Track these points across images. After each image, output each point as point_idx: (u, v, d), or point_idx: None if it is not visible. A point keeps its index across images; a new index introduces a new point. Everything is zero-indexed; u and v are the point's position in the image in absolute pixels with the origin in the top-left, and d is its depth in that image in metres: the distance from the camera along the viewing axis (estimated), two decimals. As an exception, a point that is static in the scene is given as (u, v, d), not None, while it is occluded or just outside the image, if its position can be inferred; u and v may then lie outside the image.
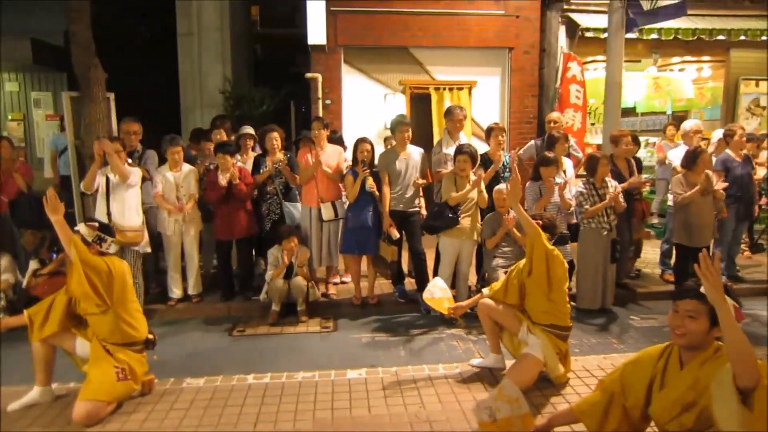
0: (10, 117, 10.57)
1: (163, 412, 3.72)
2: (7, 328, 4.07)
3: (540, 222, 3.99)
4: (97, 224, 3.89)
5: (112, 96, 6.29)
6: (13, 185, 6.06)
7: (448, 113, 6.06)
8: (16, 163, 6.21)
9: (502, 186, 5.46)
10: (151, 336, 4.00)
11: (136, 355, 3.86)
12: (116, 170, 5.29)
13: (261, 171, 6.07)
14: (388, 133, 6.97)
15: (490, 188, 5.60)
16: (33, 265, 5.37)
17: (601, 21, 8.19)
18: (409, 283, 6.20)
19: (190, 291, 6.02)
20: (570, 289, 5.64)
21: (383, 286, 6.34)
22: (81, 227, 3.80)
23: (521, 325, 3.98)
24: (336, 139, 6.43)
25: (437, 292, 4.43)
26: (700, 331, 2.30)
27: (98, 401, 3.59)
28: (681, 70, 10.17)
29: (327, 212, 5.90)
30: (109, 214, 5.32)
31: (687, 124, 6.96)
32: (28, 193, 6.21)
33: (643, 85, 9.70)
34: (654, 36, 8.64)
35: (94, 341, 3.77)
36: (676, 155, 6.57)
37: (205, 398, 3.90)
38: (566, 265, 3.92)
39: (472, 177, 5.45)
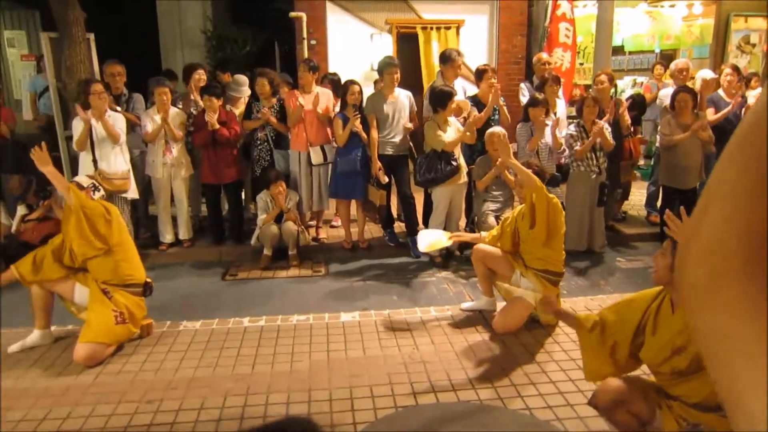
0: (-17, 57, 10.18)
1: (162, 354, 3.81)
2: None
3: (531, 170, 4.04)
4: (97, 174, 4.10)
5: (92, 36, 6.08)
6: (-4, 132, 5.94)
7: (447, 58, 5.93)
8: (-1, 108, 6.06)
9: (495, 129, 5.45)
10: (148, 280, 4.06)
11: (134, 298, 3.92)
12: (108, 132, 5.22)
13: (252, 116, 5.98)
14: (375, 74, 6.85)
15: (481, 132, 5.60)
16: (21, 210, 5.36)
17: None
18: (399, 227, 6.27)
19: (181, 236, 6.05)
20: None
21: (373, 230, 6.41)
22: (79, 177, 3.98)
23: (514, 270, 4.08)
24: (333, 81, 6.32)
25: (430, 236, 4.50)
26: (665, 266, 2.39)
27: (98, 343, 3.67)
28: (672, 6, 10.02)
29: (316, 156, 5.87)
30: (95, 161, 5.26)
31: (676, 63, 6.90)
32: (11, 138, 6.09)
33: (636, 22, 9.54)
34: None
35: (93, 285, 3.83)
36: (666, 95, 6.52)
37: (202, 341, 3.99)
38: (562, 210, 3.99)
39: (453, 120, 5.45)
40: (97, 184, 3.92)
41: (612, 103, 5.99)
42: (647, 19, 9.92)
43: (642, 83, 9.79)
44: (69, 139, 5.84)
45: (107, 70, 5.86)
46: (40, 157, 3.66)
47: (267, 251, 5.63)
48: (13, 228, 5.45)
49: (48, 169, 3.66)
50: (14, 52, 10.41)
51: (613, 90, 6.92)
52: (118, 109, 5.63)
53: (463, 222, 6.12)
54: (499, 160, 5.27)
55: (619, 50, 9.88)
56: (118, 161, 5.36)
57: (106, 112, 5.23)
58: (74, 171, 5.75)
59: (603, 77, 6.10)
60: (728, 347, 0.51)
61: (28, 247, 4.44)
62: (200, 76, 6.24)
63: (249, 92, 6.33)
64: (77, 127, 5.27)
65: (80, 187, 3.81)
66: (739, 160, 0.54)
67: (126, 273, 3.89)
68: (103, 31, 6.42)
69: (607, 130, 5.59)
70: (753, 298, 0.51)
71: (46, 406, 3.19)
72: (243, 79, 6.50)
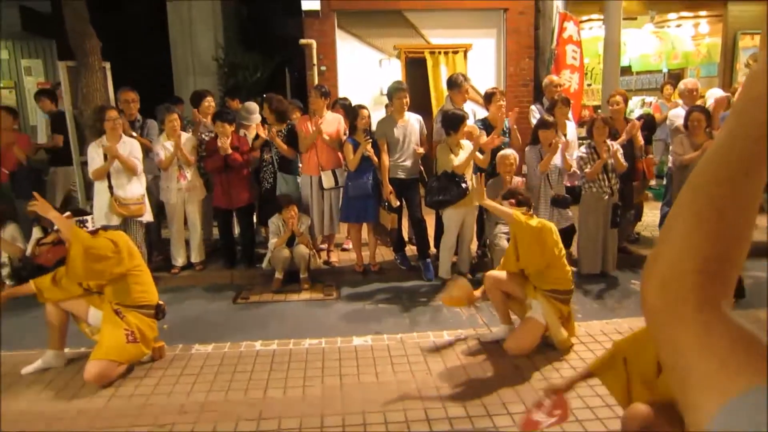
0: (2, 85, 10.41)
1: (174, 377, 3.82)
2: (14, 297, 4.17)
3: (514, 200, 4.09)
4: (69, 212, 4.04)
5: (108, 65, 6.21)
6: (12, 157, 6.05)
7: (454, 84, 5.99)
8: (15, 134, 6.17)
9: (507, 151, 5.48)
10: (161, 303, 4.08)
11: (146, 320, 3.95)
12: (125, 165, 5.33)
13: (258, 138, 6.07)
14: (385, 99, 6.94)
15: (493, 153, 5.62)
16: (36, 233, 5.43)
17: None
18: (410, 250, 6.27)
19: (193, 259, 6.09)
20: (571, 254, 5.74)
21: (385, 253, 6.42)
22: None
23: (526, 290, 4.07)
24: (345, 106, 6.39)
25: (456, 290, 4.33)
26: None
27: (109, 361, 3.69)
28: (678, 26, 10.09)
29: (327, 180, 5.91)
30: (110, 187, 5.33)
31: (685, 82, 6.91)
32: (27, 163, 6.19)
33: (642, 43, 9.61)
34: (651, -8, 8.56)
35: (106, 306, 3.88)
36: (676, 115, 6.51)
37: (214, 364, 3.99)
38: (554, 228, 3.99)
39: (466, 143, 5.47)
40: (82, 218, 4.00)
41: (628, 124, 6.01)
42: (654, 40, 9.98)
43: (651, 103, 9.81)
44: (84, 164, 5.93)
45: (121, 97, 5.99)
46: (40, 206, 3.79)
47: (278, 274, 5.64)
48: (28, 251, 5.51)
49: (51, 215, 3.79)
50: (31, 80, 10.66)
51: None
52: (134, 134, 5.72)
53: (474, 245, 6.12)
54: (507, 181, 5.30)
55: (626, 70, 9.94)
56: (133, 187, 5.44)
57: (121, 139, 5.33)
58: (89, 196, 5.83)
59: (618, 98, 6.12)
60: (682, 359, 0.57)
61: (43, 270, 4.49)
62: (209, 103, 6.34)
63: (259, 119, 6.40)
64: (93, 155, 5.34)
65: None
66: (691, 190, 0.61)
67: (139, 295, 3.93)
68: (118, 59, 6.54)
69: (619, 152, 5.58)
70: (705, 317, 0.57)
71: (59, 429, 3.19)
72: (253, 106, 6.58)
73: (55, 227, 5.21)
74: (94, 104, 5.79)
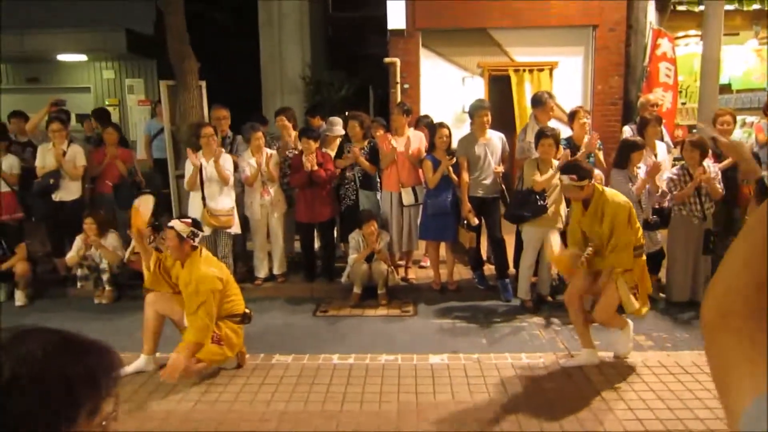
0: (107, 102, 11.25)
1: (256, 386, 3.95)
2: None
3: (576, 176, 4.09)
4: (190, 221, 4.20)
5: (203, 84, 6.58)
6: (116, 170, 6.51)
7: (539, 102, 5.89)
8: (119, 149, 6.63)
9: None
10: (247, 311, 4.24)
11: (233, 326, 4.14)
12: (220, 175, 5.64)
13: (344, 155, 6.19)
14: (466, 116, 6.92)
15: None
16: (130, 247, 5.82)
17: (695, -7, 7.77)
18: (488, 270, 6.19)
19: (276, 271, 6.28)
20: (659, 279, 5.48)
21: (462, 272, 6.36)
22: (176, 223, 4.08)
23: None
24: (427, 124, 6.44)
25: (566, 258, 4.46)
26: None
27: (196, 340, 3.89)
28: (786, 41, 9.44)
29: (407, 197, 5.96)
30: (203, 199, 5.63)
31: None
32: (129, 177, 6.64)
33: (743, 60, 9.06)
34: (756, 6, 8.07)
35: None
36: None
37: (293, 375, 4.10)
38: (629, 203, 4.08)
39: (555, 162, 5.35)
40: (195, 231, 4.13)
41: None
42: (756, 57, 9.39)
43: (752, 123, 9.20)
44: (180, 177, 6.29)
45: (214, 115, 6.33)
46: (136, 234, 4.33)
47: (357, 289, 5.72)
48: (126, 257, 5.90)
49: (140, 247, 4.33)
50: (133, 98, 11.48)
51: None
52: (224, 151, 6.01)
53: (555, 268, 5.95)
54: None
55: (725, 89, 9.37)
56: (224, 199, 5.73)
57: (220, 153, 5.63)
58: (183, 208, 6.17)
59: (728, 117, 5.79)
60: (728, 367, 0.70)
61: (139, 277, 4.80)
62: (282, 122, 6.46)
63: (342, 132, 6.55)
64: (188, 168, 5.68)
65: (180, 237, 4.02)
66: (745, 235, 0.76)
67: (227, 306, 4.13)
68: (212, 77, 6.91)
69: (717, 176, 5.27)
70: (751, 325, 0.70)
71: (150, 428, 3.37)
72: (337, 120, 6.75)
73: (152, 236, 5.57)
74: (190, 121, 6.15)
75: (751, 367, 0.66)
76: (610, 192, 4.17)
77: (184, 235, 4.04)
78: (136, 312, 4.36)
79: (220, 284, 4.00)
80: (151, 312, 4.18)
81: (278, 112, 6.63)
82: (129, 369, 4.09)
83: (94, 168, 6.52)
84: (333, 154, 6.37)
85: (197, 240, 4.15)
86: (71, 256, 5.98)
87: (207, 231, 5.61)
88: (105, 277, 5.93)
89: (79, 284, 6.00)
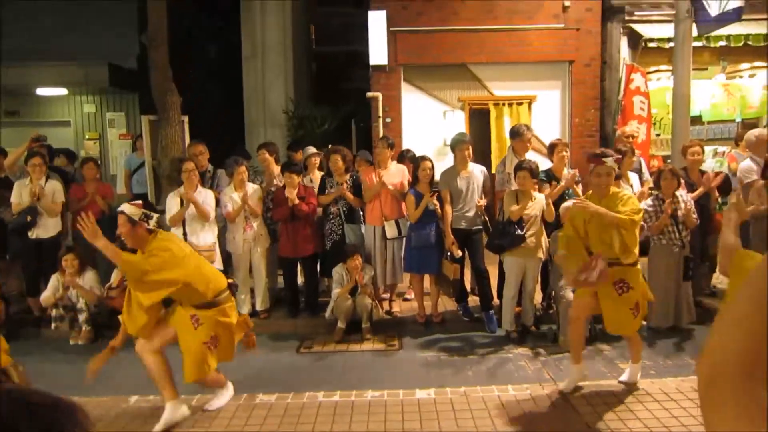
0: (87, 136, 11.18)
1: (239, 427, 3.86)
2: (122, 344, 4.00)
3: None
4: (141, 202, 3.86)
5: (186, 119, 6.59)
6: (95, 205, 6.36)
7: (517, 134, 6.00)
8: (98, 184, 6.54)
9: (569, 203, 5.38)
10: (231, 281, 4.12)
11: (224, 307, 3.91)
12: (199, 211, 5.56)
13: (326, 191, 6.20)
14: (448, 150, 7.01)
15: (556, 205, 5.54)
16: (114, 275, 5.66)
17: (664, 31, 8.05)
18: (473, 301, 6.19)
19: (258, 307, 6.20)
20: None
21: (447, 304, 6.35)
22: (125, 207, 3.74)
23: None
24: (410, 158, 6.51)
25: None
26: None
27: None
28: (751, 76, 9.77)
29: (391, 230, 5.97)
30: (184, 234, 5.57)
31: (752, 134, 6.69)
32: (108, 212, 6.53)
33: (711, 94, 9.37)
34: (722, 43, 8.37)
35: (181, 315, 3.86)
36: (748, 170, 6.25)
37: (277, 414, 4.01)
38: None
39: (537, 195, 5.42)
40: (148, 213, 3.74)
41: (705, 176, 5.83)
42: (723, 92, 9.71)
43: (723, 153, 9.45)
44: (161, 212, 6.22)
45: (190, 151, 6.28)
46: (89, 231, 3.56)
47: (341, 324, 5.67)
48: (105, 292, 5.76)
49: (100, 244, 3.58)
50: (113, 132, 11.40)
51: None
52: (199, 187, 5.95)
53: (538, 296, 5.98)
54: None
55: (697, 120, 9.64)
56: (206, 235, 5.68)
57: (197, 189, 5.58)
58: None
59: (697, 148, 5.96)
60: (725, 423, 0.73)
61: (118, 314, 4.67)
62: (264, 156, 6.45)
63: (315, 151, 6.67)
64: (171, 204, 5.62)
65: (131, 221, 3.65)
66: (741, 297, 0.79)
67: (207, 289, 3.81)
68: (195, 112, 6.92)
69: (691, 206, 5.39)
70: (747, 386, 0.73)
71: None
72: (310, 148, 6.94)
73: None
74: (171, 156, 6.12)
75: (749, 423, 0.70)
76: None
77: (136, 218, 3.66)
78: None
79: (164, 255, 3.62)
80: (150, 358, 3.81)
81: (260, 146, 6.65)
82: (158, 428, 3.76)
83: (75, 204, 6.38)
84: (316, 183, 6.38)
85: (152, 223, 3.73)
86: (47, 296, 5.82)
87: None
88: (82, 317, 5.78)
89: (53, 325, 5.82)
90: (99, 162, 7.28)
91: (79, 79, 10.53)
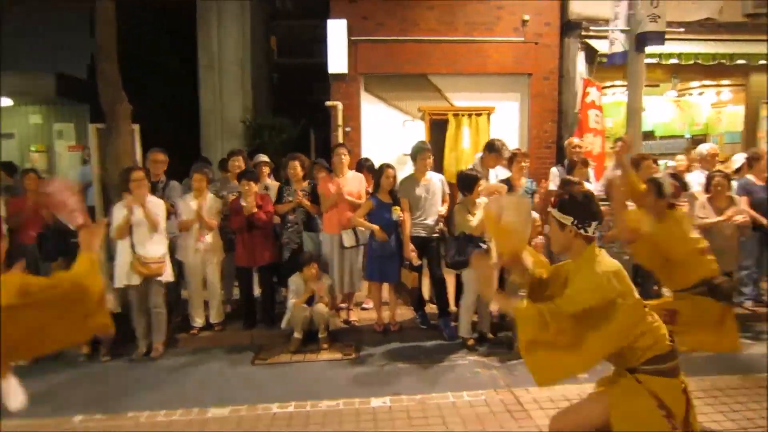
0: (33, 149, 10.77)
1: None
2: None
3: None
4: None
5: (137, 128, 6.39)
6: (40, 218, 6.00)
7: (494, 149, 6.03)
8: (42, 196, 6.26)
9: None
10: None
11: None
12: (149, 220, 5.34)
13: (283, 199, 6.10)
14: (407, 159, 7.01)
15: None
16: None
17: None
18: (430, 309, 6.15)
19: (212, 319, 6.03)
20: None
21: (405, 312, 6.30)
22: None
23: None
24: (368, 167, 6.47)
25: None
26: None
27: None
28: (701, 94, 10.11)
29: (348, 239, 5.90)
30: (132, 245, 5.36)
31: (703, 148, 6.91)
32: (53, 224, 6.24)
33: (664, 109, 9.66)
34: (674, 61, 8.62)
35: None
36: (692, 180, 6.43)
37: (230, 428, 3.89)
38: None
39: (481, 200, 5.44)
40: None
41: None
42: (674, 108, 10.02)
43: (674, 167, 9.71)
44: (107, 225, 5.97)
45: (150, 157, 6.05)
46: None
47: (297, 334, 5.56)
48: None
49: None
50: (62, 144, 10.99)
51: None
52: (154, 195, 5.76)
53: (494, 306, 5.98)
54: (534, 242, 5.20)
55: (649, 135, 9.92)
56: (155, 246, 5.43)
57: (147, 198, 5.38)
58: (111, 256, 5.82)
59: (649, 162, 5.97)
60: None
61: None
62: (239, 163, 6.43)
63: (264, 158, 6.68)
64: (118, 216, 5.38)
65: None
66: None
67: None
68: (148, 121, 6.72)
69: None
70: None
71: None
72: (260, 155, 6.94)
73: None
74: (121, 166, 5.90)
75: None
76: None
77: None
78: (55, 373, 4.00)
79: None
80: None
81: (231, 153, 6.59)
82: None
83: (13, 219, 5.95)
84: (273, 190, 6.28)
85: None
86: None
87: (137, 280, 5.35)
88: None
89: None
90: (41, 174, 6.90)
91: (26, 89, 10.11)
